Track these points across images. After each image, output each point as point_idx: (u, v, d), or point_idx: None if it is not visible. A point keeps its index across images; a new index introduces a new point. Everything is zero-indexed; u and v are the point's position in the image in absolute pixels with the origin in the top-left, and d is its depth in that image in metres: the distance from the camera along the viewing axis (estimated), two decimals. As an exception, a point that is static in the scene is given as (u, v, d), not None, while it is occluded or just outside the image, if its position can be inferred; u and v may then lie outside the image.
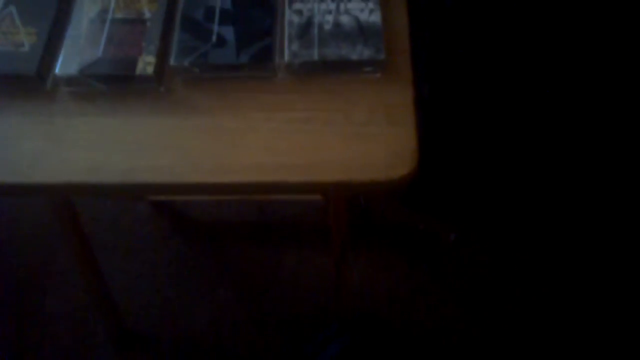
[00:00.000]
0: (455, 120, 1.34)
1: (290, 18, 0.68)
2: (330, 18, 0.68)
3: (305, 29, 0.67)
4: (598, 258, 1.26)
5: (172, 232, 1.32)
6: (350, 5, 0.68)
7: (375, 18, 0.68)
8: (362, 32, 0.67)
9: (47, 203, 0.92)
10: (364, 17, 0.68)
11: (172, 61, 0.66)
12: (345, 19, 0.68)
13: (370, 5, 0.69)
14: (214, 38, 0.67)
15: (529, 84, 1.34)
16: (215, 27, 0.68)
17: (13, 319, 1.22)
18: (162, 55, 0.67)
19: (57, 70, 0.66)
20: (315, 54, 0.66)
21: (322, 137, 0.64)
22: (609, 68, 1.32)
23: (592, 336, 1.17)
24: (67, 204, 0.93)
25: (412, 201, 1.34)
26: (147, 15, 0.70)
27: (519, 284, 1.24)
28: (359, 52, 0.66)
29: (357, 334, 1.07)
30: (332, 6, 0.68)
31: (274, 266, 1.27)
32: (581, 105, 1.36)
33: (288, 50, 0.66)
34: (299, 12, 0.68)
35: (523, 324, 1.19)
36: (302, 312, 1.21)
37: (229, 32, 0.67)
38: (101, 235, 1.28)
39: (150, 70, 0.66)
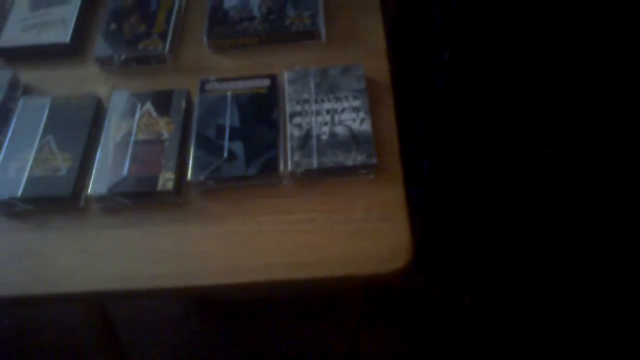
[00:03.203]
0: (457, 188, 1.41)
1: (291, 132, 0.77)
2: (326, 129, 0.76)
3: (304, 141, 0.76)
4: (613, 313, 1.27)
5: (192, 312, 1.38)
6: (343, 117, 0.77)
7: (366, 126, 0.76)
8: (355, 140, 0.75)
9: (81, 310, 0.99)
10: (356, 126, 0.76)
11: (189, 176, 0.75)
12: (339, 129, 0.76)
13: (362, 115, 0.78)
14: (225, 153, 0.76)
15: (525, 143, 1.39)
16: (226, 144, 0.77)
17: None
18: (180, 171, 0.76)
19: (90, 190, 0.75)
20: (314, 163, 0.74)
21: (324, 235, 0.71)
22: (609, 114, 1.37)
23: None
24: (100, 311, 1.00)
25: (425, 268, 1.37)
26: (166, 135, 0.79)
27: (534, 342, 1.25)
28: (353, 158, 0.74)
29: None
30: (328, 118, 0.77)
31: (292, 340, 1.31)
32: (585, 161, 1.41)
33: (291, 160, 0.74)
34: (299, 126, 0.77)
35: None
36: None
37: (238, 147, 0.76)
38: (123, 315, 1.33)
39: (170, 185, 0.74)
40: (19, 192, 0.74)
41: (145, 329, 1.34)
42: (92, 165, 0.77)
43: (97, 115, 0.82)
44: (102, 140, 0.79)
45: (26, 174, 0.76)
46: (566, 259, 1.34)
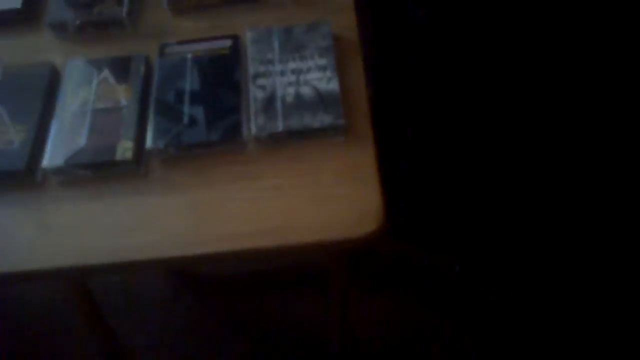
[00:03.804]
0: (443, 155, 1.38)
1: (254, 94, 0.73)
2: (291, 90, 0.73)
3: (269, 103, 0.72)
4: (607, 274, 1.27)
5: (181, 290, 1.36)
6: (309, 76, 0.74)
7: (334, 86, 0.73)
8: (322, 100, 0.72)
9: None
10: (322, 86, 0.73)
11: (149, 144, 0.72)
12: (305, 90, 0.73)
13: (328, 73, 0.74)
14: (185, 119, 0.73)
15: (511, 105, 1.37)
16: (186, 109, 0.73)
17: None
18: (139, 140, 0.73)
19: (46, 163, 0.71)
20: (280, 125, 0.71)
21: (292, 201, 0.69)
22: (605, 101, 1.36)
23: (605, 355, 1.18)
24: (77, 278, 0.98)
25: (414, 236, 1.37)
26: (124, 103, 0.75)
27: (528, 306, 1.25)
28: (321, 119, 0.71)
29: None
30: (293, 79, 0.74)
31: (283, 313, 1.30)
32: (573, 125, 1.39)
33: (255, 124, 0.71)
34: (263, 88, 0.74)
35: (536, 347, 1.21)
36: (314, 356, 1.23)
37: (199, 112, 0.73)
38: (113, 299, 1.31)
39: (129, 154, 0.71)
40: (-29, 168, 0.71)
41: (135, 307, 1.33)
42: (48, 137, 0.74)
43: (51, 84, 0.78)
44: (57, 110, 0.75)
45: (-22, 148, 0.72)
46: (558, 219, 1.33)
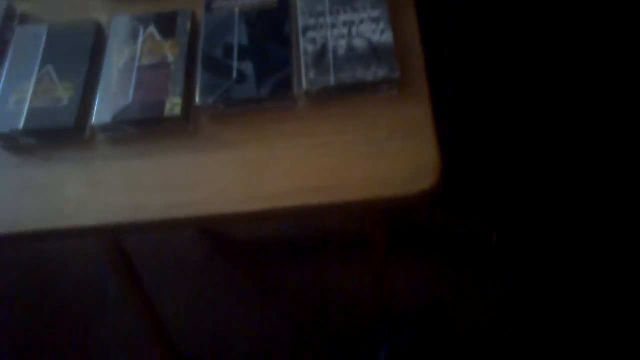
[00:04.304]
0: (485, 122, 1.34)
1: (305, 47, 0.70)
2: (343, 43, 0.70)
3: (320, 56, 0.70)
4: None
5: (215, 255, 1.36)
6: (361, 28, 0.71)
7: (387, 38, 0.70)
8: (375, 53, 0.69)
9: (95, 240, 0.97)
10: (375, 38, 0.70)
11: (197, 100, 0.70)
12: (358, 42, 0.70)
13: (382, 25, 0.71)
14: (234, 74, 0.70)
15: (559, 78, 1.32)
16: (235, 64, 0.71)
17: (69, 350, 1.28)
18: (187, 96, 0.71)
19: (93, 120, 0.70)
20: (331, 80, 0.68)
21: (344, 158, 0.66)
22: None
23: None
24: (114, 240, 0.98)
25: (452, 205, 1.34)
26: (171, 59, 0.74)
27: (564, 279, 1.22)
28: (374, 72, 0.68)
29: (406, 333, 1.07)
30: (345, 31, 0.71)
31: (316, 279, 1.29)
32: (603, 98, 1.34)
33: (305, 78, 0.69)
34: (313, 41, 0.71)
35: (567, 320, 1.18)
36: (349, 322, 1.23)
37: (248, 67, 0.71)
38: (147, 263, 1.31)
39: (177, 110, 0.69)
40: (21, 125, 0.70)
41: (170, 275, 1.34)
42: (95, 94, 0.72)
43: (97, 42, 0.77)
44: (104, 67, 0.74)
45: (27, 105, 0.71)
46: (596, 190, 1.28)
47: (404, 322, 1.07)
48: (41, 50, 0.76)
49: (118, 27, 0.78)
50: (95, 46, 0.77)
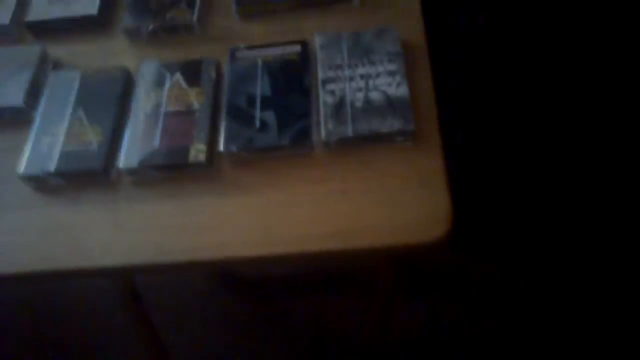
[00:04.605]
0: (492, 161, 1.37)
1: (324, 99, 0.74)
2: (360, 95, 0.74)
3: (338, 108, 0.73)
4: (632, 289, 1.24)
5: (221, 288, 1.38)
6: (378, 82, 0.74)
7: (403, 91, 0.73)
8: (391, 105, 0.72)
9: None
10: (391, 91, 0.73)
11: (221, 147, 0.73)
12: (374, 95, 0.73)
13: (397, 79, 0.74)
14: (257, 123, 0.74)
15: (556, 118, 1.35)
16: (258, 113, 0.75)
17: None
18: (211, 142, 0.74)
19: (121, 164, 0.74)
20: (349, 130, 0.71)
21: (360, 205, 0.69)
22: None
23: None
24: (128, 277, 1.00)
25: (459, 244, 1.35)
26: (196, 106, 0.77)
27: (569, 320, 1.23)
28: (390, 124, 0.71)
29: None
30: (362, 84, 0.75)
31: (320, 314, 1.30)
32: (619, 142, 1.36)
33: (324, 128, 0.72)
34: (332, 93, 0.74)
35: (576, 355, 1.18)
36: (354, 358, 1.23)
37: (270, 117, 0.74)
38: (153, 294, 1.33)
39: (202, 157, 0.73)
40: (53, 167, 0.74)
41: (176, 307, 1.35)
42: (123, 138, 0.76)
43: (126, 88, 0.81)
44: (132, 112, 0.78)
45: (59, 148, 0.75)
46: (604, 234, 1.30)
47: None
48: (73, 95, 0.80)
49: (146, 73, 0.82)
50: (124, 92, 0.81)
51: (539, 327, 1.24)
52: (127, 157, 0.74)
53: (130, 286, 1.04)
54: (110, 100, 0.79)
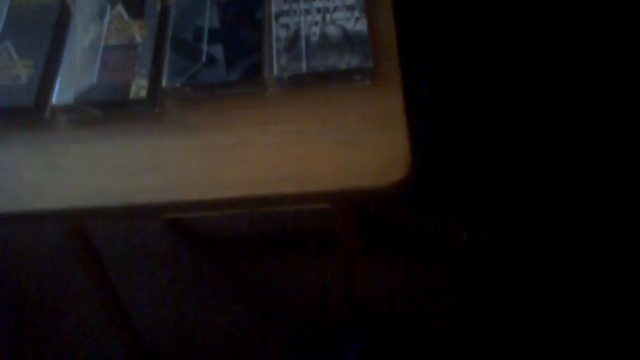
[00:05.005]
0: (458, 119, 1.34)
1: (277, 33, 0.69)
2: (316, 30, 0.68)
3: (292, 43, 0.68)
4: (614, 251, 1.24)
5: (184, 249, 1.34)
6: (336, 16, 0.69)
7: (362, 26, 0.68)
8: (349, 41, 0.67)
9: (59, 226, 0.94)
10: (350, 26, 0.68)
11: (164, 83, 0.67)
12: (331, 30, 0.68)
13: (356, 13, 0.69)
14: (204, 58, 0.68)
15: (528, 77, 1.33)
16: (205, 47, 0.69)
17: (31, 341, 1.24)
18: (154, 78, 0.68)
19: (54, 100, 0.67)
20: (303, 66, 0.66)
21: (315, 147, 0.65)
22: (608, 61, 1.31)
23: (608, 332, 1.16)
24: (78, 227, 0.95)
25: (422, 203, 1.34)
26: (139, 40, 0.71)
27: (533, 279, 1.23)
28: (347, 61, 0.66)
29: (376, 333, 1.06)
30: (318, 18, 0.69)
31: (285, 277, 1.28)
32: (583, 94, 1.35)
33: (277, 64, 0.67)
34: (286, 26, 0.69)
35: (536, 319, 1.18)
36: (316, 320, 1.21)
37: (218, 51, 0.69)
38: (115, 256, 1.30)
39: (143, 93, 0.67)
40: (-24, 103, 0.67)
41: (138, 268, 1.30)
42: (57, 73, 0.70)
43: (61, 19, 0.74)
44: (67, 46, 0.71)
45: (-17, 82, 0.68)
46: (567, 189, 1.30)
47: (371, 323, 1.06)
48: (0, 25, 0.72)
49: (84, 3, 0.74)
50: (59, 23, 0.73)
51: (502, 286, 1.24)
52: (61, 93, 0.68)
53: (85, 241, 0.99)
54: (43, 31, 0.72)
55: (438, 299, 1.22)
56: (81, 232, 0.96)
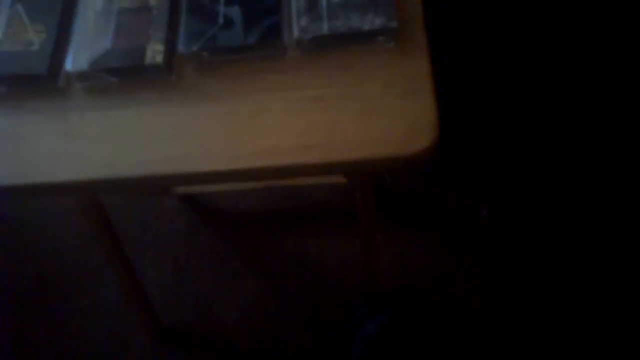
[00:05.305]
0: (480, 91, 1.29)
1: (297, -8, 0.65)
2: (338, -11, 0.65)
3: (313, 2, 0.64)
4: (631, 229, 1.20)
5: (200, 226, 1.33)
6: (358, -27, 0.65)
7: (386, -15, 0.65)
8: (372, 0, 0.64)
9: (76, 201, 0.93)
10: (373, -16, 0.65)
11: (180, 48, 0.65)
12: (354, -11, 0.65)
13: (380, -29, 0.65)
14: (220, 20, 0.65)
15: (554, 51, 1.27)
16: (222, 9, 0.66)
17: (50, 316, 1.25)
18: (170, 42, 0.66)
19: (69, 66, 0.65)
20: (324, 27, 0.63)
21: (337, 114, 0.62)
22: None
23: (623, 318, 1.13)
24: (94, 201, 0.94)
25: (441, 178, 1.31)
26: (153, 2, 0.68)
27: (552, 256, 1.20)
28: (370, 21, 0.63)
29: (395, 308, 1.05)
30: (340, -24, 0.66)
31: (301, 252, 1.26)
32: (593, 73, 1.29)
33: (297, 25, 0.64)
34: (306, -15, 0.66)
35: (554, 296, 1.16)
36: (334, 296, 1.20)
37: (235, 13, 0.65)
38: (131, 232, 1.29)
39: (159, 59, 0.64)
40: (-11, 70, 0.65)
41: (155, 244, 1.30)
42: (70, 39, 0.67)
43: (73, -19, 0.71)
44: (79, 9, 0.69)
45: (-5, 49, 0.67)
46: (586, 169, 1.25)
47: (388, 299, 1.05)
48: (11, -12, 0.70)
49: (96, -35, 0.72)
50: (71, -14, 0.71)
51: (520, 264, 1.21)
52: (75, 59, 0.66)
53: (102, 215, 0.98)
54: (55, -6, 0.70)
55: (456, 275, 1.20)
56: (97, 207, 0.95)
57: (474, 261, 1.22)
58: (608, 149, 1.26)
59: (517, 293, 1.17)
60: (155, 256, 1.29)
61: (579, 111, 1.28)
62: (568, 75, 1.27)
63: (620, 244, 1.19)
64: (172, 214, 1.34)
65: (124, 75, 0.66)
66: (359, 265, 1.11)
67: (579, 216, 1.24)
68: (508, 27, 1.21)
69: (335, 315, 1.15)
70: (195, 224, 1.33)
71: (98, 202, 0.94)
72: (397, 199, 1.30)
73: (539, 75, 1.28)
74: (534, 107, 1.29)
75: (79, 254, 1.30)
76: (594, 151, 1.26)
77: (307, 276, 1.24)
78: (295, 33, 0.63)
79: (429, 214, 1.29)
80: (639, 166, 1.24)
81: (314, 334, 1.17)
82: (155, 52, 0.65)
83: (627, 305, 1.13)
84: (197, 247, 1.30)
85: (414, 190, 1.31)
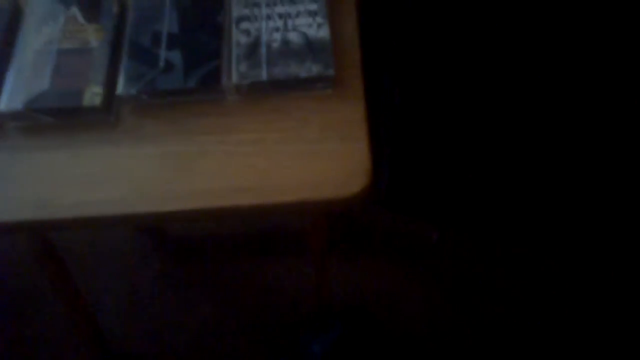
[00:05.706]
0: (429, 122, 1.33)
1: (237, 39, 0.67)
2: (278, 36, 0.67)
3: (253, 49, 0.66)
4: (578, 251, 1.25)
5: (152, 251, 1.31)
6: (297, 22, 0.67)
7: (324, 33, 0.67)
8: (311, 48, 0.66)
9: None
10: (312, 32, 0.67)
11: (119, 90, 0.65)
12: (293, 36, 0.67)
13: (318, 19, 0.68)
14: (161, 64, 0.66)
15: (501, 80, 1.32)
16: (163, 53, 0.67)
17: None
18: (109, 85, 0.66)
19: (2, 106, 0.65)
20: (263, 74, 0.65)
21: (274, 157, 0.63)
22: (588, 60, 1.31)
23: (578, 331, 1.16)
24: (40, 236, 0.92)
25: (394, 203, 1.33)
26: (94, 44, 0.68)
27: (501, 278, 1.23)
28: (308, 69, 0.65)
29: (341, 328, 1.07)
30: (280, 24, 0.67)
31: (256, 276, 1.26)
32: (551, 103, 1.35)
33: (236, 71, 0.65)
34: (246, 32, 0.67)
35: (504, 317, 1.19)
36: (286, 319, 1.20)
37: (176, 57, 0.66)
38: (81, 258, 1.26)
39: (97, 100, 0.65)
40: None
41: (105, 270, 1.28)
42: (6, 78, 0.67)
43: (12, 20, 0.71)
44: (17, 48, 0.68)
45: None
46: (538, 193, 1.30)
47: (337, 320, 1.06)
48: (-52, 26, 0.70)
49: (36, 4, 0.72)
50: (10, 24, 0.70)
51: (470, 286, 1.24)
52: (10, 98, 0.65)
53: (46, 246, 0.96)
54: (-7, 33, 0.69)
55: (407, 297, 1.22)
56: (42, 237, 0.94)
57: (425, 283, 1.24)
58: (560, 176, 1.31)
59: (467, 316, 1.20)
60: (105, 282, 1.26)
61: (528, 140, 1.33)
62: (516, 99, 1.32)
63: (570, 271, 1.24)
64: (123, 239, 1.32)
65: (61, 116, 0.65)
66: (312, 287, 1.12)
67: (529, 238, 1.28)
68: (460, 50, 1.26)
69: (289, 337, 1.15)
70: (146, 249, 1.31)
71: (43, 235, 0.92)
72: (349, 222, 1.32)
73: (489, 102, 1.32)
74: (485, 134, 1.33)
75: (27, 281, 1.26)
76: (542, 177, 1.31)
77: (261, 299, 1.24)
78: (235, 78, 0.65)
79: (382, 238, 1.31)
80: (592, 186, 1.29)
81: (266, 357, 1.16)
82: (94, 95, 0.65)
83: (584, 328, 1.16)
84: (148, 272, 1.28)
85: (366, 214, 1.33)
